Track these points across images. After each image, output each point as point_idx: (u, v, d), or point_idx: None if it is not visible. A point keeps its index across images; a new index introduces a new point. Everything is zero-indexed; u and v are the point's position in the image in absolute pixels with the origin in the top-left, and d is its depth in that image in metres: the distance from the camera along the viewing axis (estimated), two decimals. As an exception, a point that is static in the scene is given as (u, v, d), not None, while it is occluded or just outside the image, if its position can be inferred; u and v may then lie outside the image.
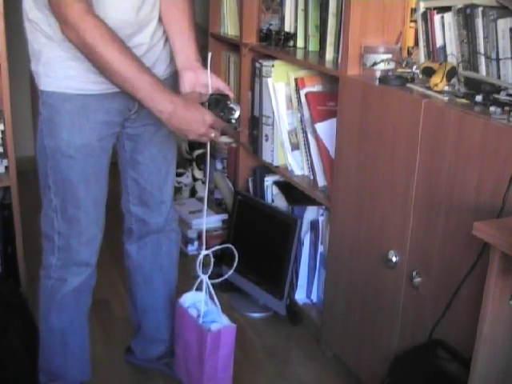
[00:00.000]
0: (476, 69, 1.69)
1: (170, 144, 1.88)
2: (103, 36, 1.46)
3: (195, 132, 1.56)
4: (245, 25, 2.60)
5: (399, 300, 1.78)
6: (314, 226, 2.33)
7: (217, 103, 1.62)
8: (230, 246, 1.85)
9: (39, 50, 1.59)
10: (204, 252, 1.75)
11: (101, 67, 1.49)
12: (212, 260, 1.77)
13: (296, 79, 2.25)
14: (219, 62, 3.02)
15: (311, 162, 2.27)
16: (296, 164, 2.38)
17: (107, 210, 1.80)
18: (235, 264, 1.81)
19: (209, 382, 1.76)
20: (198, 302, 1.81)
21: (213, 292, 1.76)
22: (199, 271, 1.75)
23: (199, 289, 1.79)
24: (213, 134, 1.58)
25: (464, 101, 1.58)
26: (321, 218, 2.29)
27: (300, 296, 2.43)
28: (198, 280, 1.77)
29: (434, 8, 1.79)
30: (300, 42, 2.43)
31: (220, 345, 1.71)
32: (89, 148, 1.66)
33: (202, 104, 1.59)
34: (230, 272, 1.84)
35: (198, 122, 1.55)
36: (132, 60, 1.50)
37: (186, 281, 1.87)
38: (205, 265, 1.76)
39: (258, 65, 2.44)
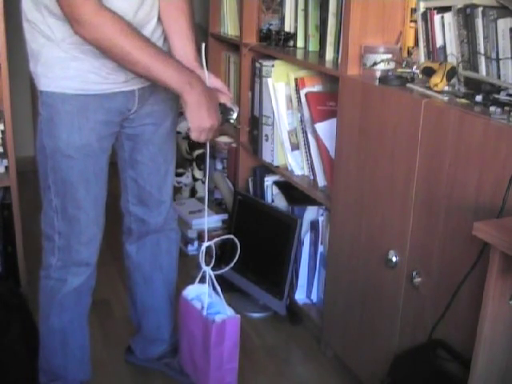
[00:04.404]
0: (476, 69, 1.69)
1: (169, 143, 1.88)
2: (122, 28, 1.47)
3: (213, 113, 1.57)
4: (245, 25, 2.60)
5: (399, 300, 1.78)
6: (314, 226, 2.33)
7: None
8: (231, 236, 1.85)
9: (38, 50, 1.59)
10: (206, 243, 1.76)
11: (122, 59, 1.50)
12: (214, 251, 1.77)
13: (296, 79, 2.25)
14: (219, 61, 3.02)
15: (311, 162, 2.27)
16: (296, 164, 2.38)
17: (107, 210, 1.80)
18: (238, 253, 1.81)
19: (215, 373, 1.77)
20: (202, 294, 1.81)
21: (216, 283, 1.76)
22: (202, 263, 1.75)
23: (201, 281, 1.80)
24: (211, 134, 1.59)
25: (464, 101, 1.58)
26: (321, 218, 2.29)
27: (300, 296, 2.43)
28: (201, 272, 1.77)
29: (434, 8, 1.79)
30: (300, 42, 2.43)
31: (225, 336, 1.72)
32: (88, 148, 1.66)
33: None
34: (233, 262, 1.83)
35: (216, 105, 1.58)
36: (152, 47, 1.52)
37: (186, 281, 1.87)
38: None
39: (258, 65, 2.44)
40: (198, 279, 1.81)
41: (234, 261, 1.82)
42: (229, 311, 1.77)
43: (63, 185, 1.68)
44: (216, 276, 1.78)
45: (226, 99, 1.68)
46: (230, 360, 1.77)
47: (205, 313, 1.77)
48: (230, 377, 1.79)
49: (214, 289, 1.78)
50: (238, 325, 1.75)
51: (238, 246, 1.80)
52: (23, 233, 2.44)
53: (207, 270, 1.76)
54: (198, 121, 1.57)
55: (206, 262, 1.77)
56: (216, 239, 1.79)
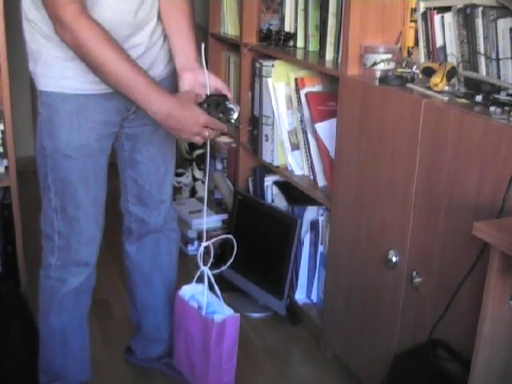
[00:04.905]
0: (476, 69, 1.69)
1: (168, 143, 1.88)
2: (98, 37, 1.46)
3: (188, 131, 1.56)
4: (245, 25, 2.60)
5: (399, 300, 1.78)
6: (313, 226, 2.33)
7: (216, 104, 1.62)
8: (230, 236, 1.85)
9: (38, 50, 1.59)
10: (204, 243, 1.76)
11: (95, 69, 1.49)
12: (212, 251, 1.77)
13: (296, 79, 2.25)
14: (219, 61, 3.02)
15: (311, 162, 2.27)
16: (296, 164, 2.38)
17: (107, 210, 1.80)
18: (234, 252, 1.81)
19: (214, 372, 1.77)
20: (197, 293, 1.82)
21: (214, 283, 1.76)
22: (200, 263, 1.75)
23: (199, 280, 1.80)
24: (207, 133, 1.57)
25: (464, 101, 1.58)
26: (321, 218, 2.29)
27: (300, 296, 2.43)
28: (199, 271, 1.77)
29: (434, 8, 1.79)
30: (300, 42, 2.43)
31: (225, 335, 1.72)
32: (88, 148, 1.66)
33: (201, 105, 1.59)
34: (230, 261, 1.84)
35: (192, 123, 1.55)
36: (126, 61, 1.49)
37: (186, 281, 1.87)
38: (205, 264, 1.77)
39: (258, 65, 2.44)
40: (195, 279, 1.81)
41: (231, 260, 1.82)
42: (227, 310, 1.77)
43: (63, 184, 1.68)
44: (216, 276, 1.78)
45: (201, 90, 1.66)
46: (228, 359, 1.77)
47: (203, 312, 1.77)
48: (228, 376, 1.79)
49: (212, 288, 1.78)
50: (237, 324, 1.75)
51: (235, 245, 1.80)
52: (23, 233, 2.44)
53: (205, 269, 1.76)
54: (177, 134, 1.58)
55: (205, 261, 1.77)
56: (214, 239, 1.79)
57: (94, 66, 1.49)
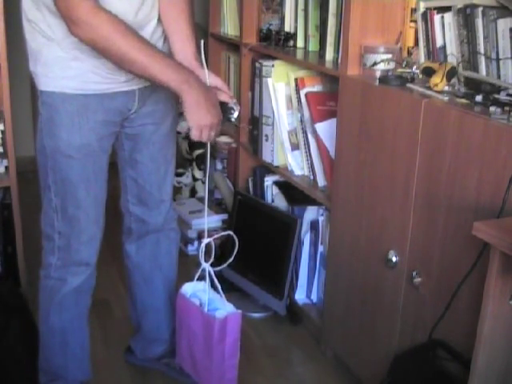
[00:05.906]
0: (476, 69, 1.69)
1: (169, 143, 1.88)
2: (118, 28, 1.47)
3: (212, 111, 1.57)
4: (245, 25, 2.60)
5: (399, 300, 1.78)
6: (313, 226, 2.33)
7: None
8: (230, 233, 1.86)
9: (38, 50, 1.59)
10: (206, 240, 1.76)
11: (119, 59, 1.50)
12: (213, 248, 1.78)
13: (296, 79, 2.25)
14: (219, 62, 3.02)
15: (311, 162, 2.27)
16: (296, 164, 2.38)
17: (107, 210, 1.80)
18: (236, 248, 1.81)
19: (216, 369, 1.77)
20: (199, 291, 1.82)
21: (215, 280, 1.76)
22: (201, 259, 1.76)
23: (201, 278, 1.80)
24: (213, 133, 1.59)
25: (464, 101, 1.58)
26: (321, 218, 2.29)
27: (300, 296, 2.43)
28: (200, 269, 1.77)
29: (434, 8, 1.79)
30: (300, 42, 2.43)
31: (227, 332, 1.72)
32: (88, 148, 1.66)
33: None
34: (232, 257, 1.84)
35: (215, 103, 1.58)
36: (149, 47, 1.52)
37: (186, 280, 1.87)
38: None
39: (258, 65, 2.44)
40: (196, 276, 1.81)
41: (233, 255, 1.82)
42: (228, 307, 1.77)
43: (63, 184, 1.68)
44: (216, 275, 1.78)
45: (227, 98, 1.68)
46: (231, 356, 1.77)
47: (206, 310, 1.77)
48: (231, 373, 1.79)
49: (214, 285, 1.78)
50: (239, 320, 1.76)
51: (236, 241, 1.80)
52: (23, 233, 2.44)
53: (206, 266, 1.76)
54: (198, 119, 1.56)
55: (205, 260, 1.77)
56: (215, 236, 1.79)
57: (117, 57, 1.50)
